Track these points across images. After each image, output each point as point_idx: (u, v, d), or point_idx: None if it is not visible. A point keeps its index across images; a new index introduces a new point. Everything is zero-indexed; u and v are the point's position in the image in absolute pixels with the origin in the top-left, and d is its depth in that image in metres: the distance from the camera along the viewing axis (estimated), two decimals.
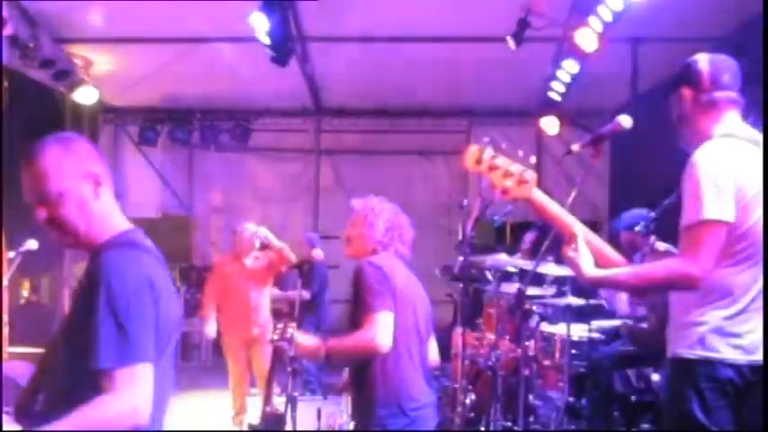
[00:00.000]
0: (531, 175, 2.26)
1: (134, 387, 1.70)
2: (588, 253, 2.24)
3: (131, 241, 1.89)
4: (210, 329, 5.56)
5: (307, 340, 2.92)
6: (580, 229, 2.28)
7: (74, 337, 1.77)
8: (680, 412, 2.20)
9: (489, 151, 2.29)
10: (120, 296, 1.71)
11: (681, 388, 2.21)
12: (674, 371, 2.28)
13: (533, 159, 2.30)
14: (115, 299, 1.71)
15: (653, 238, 4.75)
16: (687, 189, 2.19)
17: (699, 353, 2.18)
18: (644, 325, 4.83)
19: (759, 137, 2.29)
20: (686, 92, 2.34)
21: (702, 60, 2.35)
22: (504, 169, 2.26)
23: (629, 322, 5.00)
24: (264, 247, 5.45)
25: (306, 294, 7.16)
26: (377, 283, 2.68)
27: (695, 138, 2.34)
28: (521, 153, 2.29)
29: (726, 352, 2.16)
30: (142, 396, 1.71)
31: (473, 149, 2.32)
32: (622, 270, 2.28)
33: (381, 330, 2.62)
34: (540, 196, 2.30)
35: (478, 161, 2.30)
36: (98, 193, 1.87)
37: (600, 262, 2.26)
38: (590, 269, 2.21)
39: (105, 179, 1.90)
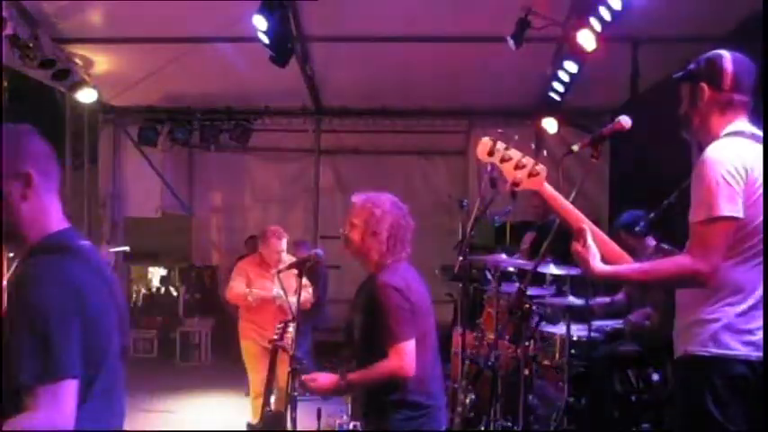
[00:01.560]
0: (541, 168, 2.29)
1: (55, 405, 1.61)
2: (596, 248, 2.24)
3: (59, 244, 1.78)
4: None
5: (324, 379, 2.93)
6: (588, 225, 2.29)
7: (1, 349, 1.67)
8: (694, 410, 2.21)
9: (501, 143, 2.30)
10: (40, 309, 1.62)
11: (695, 386, 2.22)
12: (686, 369, 2.29)
13: (545, 153, 2.32)
14: (34, 312, 1.62)
15: (649, 238, 4.77)
16: (698, 186, 2.19)
17: (712, 350, 2.19)
18: (647, 323, 4.83)
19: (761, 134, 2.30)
20: (706, 88, 2.33)
21: (727, 59, 2.33)
22: (515, 161, 2.28)
23: (632, 321, 5.00)
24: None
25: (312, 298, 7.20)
26: (400, 309, 2.72)
27: (702, 133, 2.36)
28: (532, 146, 2.32)
29: (739, 348, 2.17)
30: (63, 414, 1.62)
31: (485, 141, 2.34)
32: (631, 266, 2.30)
33: (408, 360, 2.70)
34: (549, 189, 2.33)
35: (491, 152, 2.31)
36: (26, 193, 1.75)
37: (606, 257, 2.27)
38: (598, 264, 2.22)
39: (42, 179, 1.78)
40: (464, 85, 7.91)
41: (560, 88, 7.15)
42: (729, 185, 2.13)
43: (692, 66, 2.40)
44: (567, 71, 6.69)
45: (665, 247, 4.65)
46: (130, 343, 2.00)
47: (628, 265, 2.30)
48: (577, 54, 6.20)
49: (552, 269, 4.86)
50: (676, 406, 2.39)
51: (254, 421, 4.85)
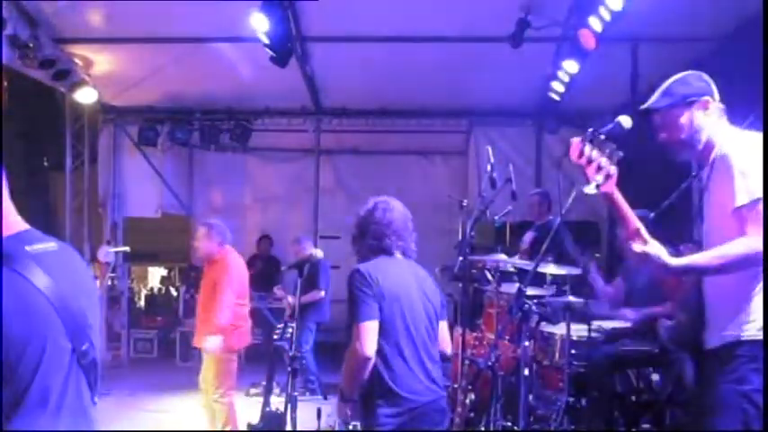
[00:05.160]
0: (614, 171, 2.35)
1: None
2: (657, 243, 2.31)
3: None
4: None
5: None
6: (640, 225, 2.39)
7: None
8: (735, 396, 2.24)
9: (589, 145, 2.34)
10: None
11: (739, 372, 2.25)
12: (732, 354, 2.29)
13: (621, 154, 2.35)
14: None
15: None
16: (731, 173, 2.28)
17: (755, 335, 2.25)
18: (670, 322, 4.80)
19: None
20: (709, 99, 2.46)
21: (700, 74, 2.51)
22: (597, 162, 2.33)
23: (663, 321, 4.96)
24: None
25: (319, 294, 7.28)
26: (361, 292, 2.82)
27: (706, 148, 2.45)
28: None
29: None
30: None
31: (578, 141, 2.37)
32: (701, 255, 2.37)
33: (363, 340, 2.76)
34: (616, 192, 2.42)
35: (581, 153, 2.35)
36: None
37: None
38: (670, 259, 2.29)
39: None
40: (464, 85, 7.91)
41: (560, 88, 7.16)
42: (759, 170, 2.23)
43: (681, 87, 2.51)
44: (566, 71, 6.70)
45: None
46: (94, 349, 1.96)
47: (697, 255, 2.37)
48: (577, 54, 6.21)
49: (552, 269, 4.86)
50: (708, 395, 2.39)
51: (255, 421, 4.86)
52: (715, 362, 2.36)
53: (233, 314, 5.15)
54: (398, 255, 2.99)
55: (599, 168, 2.32)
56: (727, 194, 2.28)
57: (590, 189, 2.39)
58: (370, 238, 2.99)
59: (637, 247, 2.30)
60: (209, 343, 5.04)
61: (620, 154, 2.33)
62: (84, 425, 1.85)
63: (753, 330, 2.26)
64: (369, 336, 2.76)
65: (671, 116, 2.51)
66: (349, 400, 2.91)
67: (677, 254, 2.45)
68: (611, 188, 2.37)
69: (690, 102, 2.47)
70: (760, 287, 2.26)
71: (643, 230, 2.33)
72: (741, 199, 2.26)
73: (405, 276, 2.95)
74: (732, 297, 2.33)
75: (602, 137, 2.35)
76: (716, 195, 2.32)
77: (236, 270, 5.32)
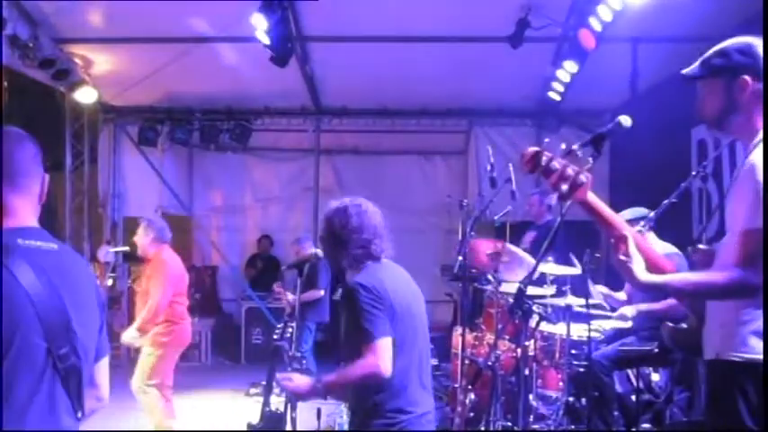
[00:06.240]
0: (585, 178, 2.19)
1: None
2: (640, 257, 2.16)
3: None
4: None
5: (300, 381, 2.91)
6: (630, 233, 2.22)
7: None
8: (727, 416, 2.16)
9: (546, 155, 2.20)
10: None
11: (727, 392, 2.16)
12: (718, 374, 2.22)
13: (590, 161, 2.25)
14: None
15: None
16: (747, 193, 2.10)
17: (744, 355, 2.13)
18: (684, 325, 4.77)
19: None
20: (749, 81, 2.21)
21: (757, 46, 2.22)
22: (559, 172, 2.18)
23: (669, 324, 4.95)
24: None
25: (319, 293, 7.28)
26: (372, 308, 2.68)
27: (744, 130, 2.25)
28: (580, 153, 2.23)
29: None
30: None
31: (530, 152, 2.24)
32: (678, 276, 2.21)
33: (383, 358, 2.64)
34: (592, 200, 2.24)
35: (535, 165, 2.21)
36: None
37: (650, 266, 2.20)
38: (643, 274, 2.14)
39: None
40: (464, 85, 7.92)
41: (560, 88, 7.16)
42: None
43: (718, 60, 2.27)
44: (567, 71, 6.70)
45: (702, 247, 4.55)
46: (78, 358, 1.91)
47: (674, 276, 2.20)
48: (577, 54, 6.22)
49: (552, 269, 4.86)
50: (709, 407, 2.33)
51: (255, 421, 4.86)
52: (710, 375, 2.29)
53: (168, 312, 5.17)
54: (384, 259, 2.90)
55: (563, 178, 2.17)
56: (741, 210, 2.10)
57: (553, 199, 2.28)
58: (355, 248, 2.85)
59: (617, 257, 2.18)
60: (128, 336, 5.11)
61: (590, 161, 2.21)
62: None
63: (729, 350, 2.16)
64: (387, 353, 2.65)
65: (703, 88, 2.32)
66: (324, 397, 2.85)
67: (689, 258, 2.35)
68: (584, 196, 2.21)
69: (722, 77, 2.25)
70: (752, 307, 2.13)
71: (631, 241, 2.16)
72: (750, 222, 2.07)
73: (404, 285, 2.88)
74: (719, 311, 2.22)
75: (563, 145, 2.21)
76: (734, 205, 2.16)
77: (170, 267, 5.33)
